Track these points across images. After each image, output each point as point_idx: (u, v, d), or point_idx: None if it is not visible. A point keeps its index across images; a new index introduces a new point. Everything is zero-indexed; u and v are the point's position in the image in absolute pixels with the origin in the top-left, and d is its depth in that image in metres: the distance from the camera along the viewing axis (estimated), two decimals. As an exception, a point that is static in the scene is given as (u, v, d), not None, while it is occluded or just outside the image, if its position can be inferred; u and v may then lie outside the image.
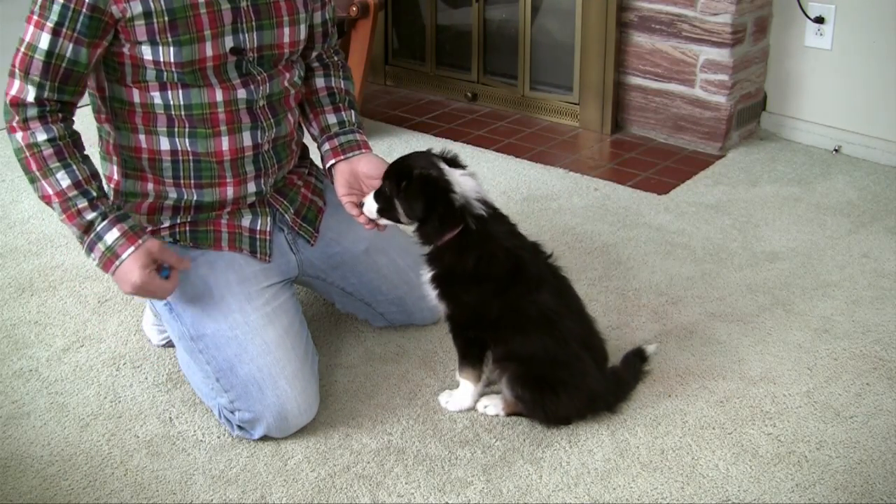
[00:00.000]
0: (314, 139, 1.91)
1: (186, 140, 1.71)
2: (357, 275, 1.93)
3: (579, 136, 3.07)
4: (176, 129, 1.70)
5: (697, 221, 2.49)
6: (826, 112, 2.89)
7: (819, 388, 1.83)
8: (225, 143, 1.72)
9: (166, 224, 1.77)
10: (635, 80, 2.99)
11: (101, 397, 1.85)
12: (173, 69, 1.64)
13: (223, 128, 1.71)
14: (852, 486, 1.58)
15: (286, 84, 1.79)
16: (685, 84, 2.89)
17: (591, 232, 2.44)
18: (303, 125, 1.93)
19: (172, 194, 1.75)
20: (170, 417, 1.79)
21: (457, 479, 1.62)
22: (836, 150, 2.88)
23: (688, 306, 2.10)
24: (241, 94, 1.71)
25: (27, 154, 1.63)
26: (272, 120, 1.77)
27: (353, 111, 1.93)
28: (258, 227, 1.81)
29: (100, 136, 1.79)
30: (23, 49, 1.61)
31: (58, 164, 1.63)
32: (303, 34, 1.78)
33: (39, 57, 1.60)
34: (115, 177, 1.77)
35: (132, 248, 1.62)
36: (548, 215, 2.53)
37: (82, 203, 1.63)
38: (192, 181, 1.75)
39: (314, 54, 1.90)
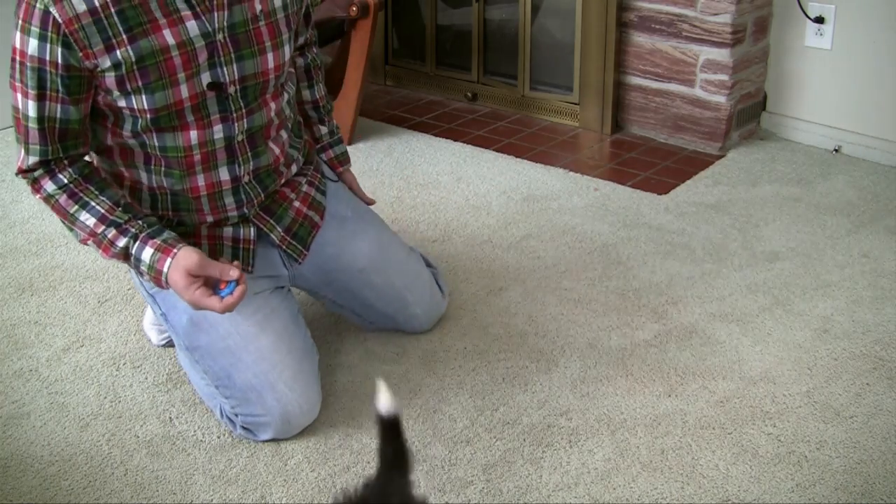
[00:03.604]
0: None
1: (163, 178, 1.66)
2: (350, 291, 1.90)
3: (579, 136, 3.07)
4: (153, 167, 1.65)
5: (697, 221, 2.49)
6: (826, 112, 2.89)
7: (819, 388, 1.83)
8: (200, 181, 1.68)
9: None
10: (635, 80, 2.99)
11: (101, 397, 1.85)
12: (147, 115, 1.57)
13: (198, 167, 1.66)
14: (852, 486, 1.59)
15: (272, 115, 1.71)
16: (685, 84, 2.89)
17: (591, 232, 2.44)
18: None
19: (151, 215, 1.70)
20: (170, 417, 1.79)
21: (457, 479, 1.62)
22: (836, 150, 2.88)
23: (688, 306, 2.11)
24: (218, 131, 1.64)
25: (51, 207, 1.63)
26: (249, 153, 1.70)
27: (331, 116, 1.99)
28: (241, 237, 1.76)
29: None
30: (17, 115, 1.57)
31: (76, 206, 1.61)
32: (288, 54, 1.70)
33: (33, 126, 1.56)
34: None
35: (169, 260, 1.57)
36: (548, 215, 2.53)
37: (112, 233, 1.60)
38: (171, 211, 1.71)
39: (301, 40, 1.84)
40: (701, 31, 2.81)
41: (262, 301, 1.73)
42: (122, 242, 1.59)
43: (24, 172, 1.62)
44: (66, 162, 1.61)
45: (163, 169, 1.65)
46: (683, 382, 1.85)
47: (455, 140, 3.03)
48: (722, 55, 2.79)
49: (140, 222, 1.61)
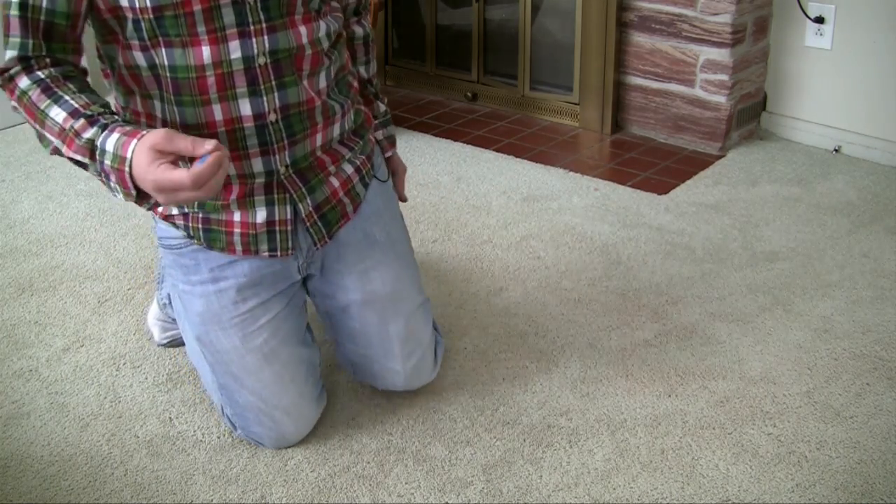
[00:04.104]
0: None
1: (175, 109, 1.47)
2: (341, 313, 1.73)
3: (579, 136, 3.07)
4: (163, 94, 1.47)
5: (697, 221, 2.49)
6: (826, 112, 2.89)
7: (819, 388, 1.83)
8: (217, 112, 1.47)
9: (176, 210, 1.58)
10: (635, 80, 2.99)
11: (101, 397, 1.85)
12: (150, 15, 1.39)
13: (214, 94, 1.45)
14: (852, 486, 1.59)
15: (302, 41, 1.49)
16: (685, 84, 2.90)
17: (591, 232, 2.44)
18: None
19: None
20: (170, 417, 1.79)
21: (457, 479, 1.62)
22: (836, 150, 2.88)
23: (688, 306, 2.11)
24: (235, 49, 1.43)
25: (22, 110, 1.39)
26: (273, 83, 1.48)
27: (382, 96, 1.84)
28: (276, 218, 1.57)
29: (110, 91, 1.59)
30: (3, 12, 1.39)
31: (48, 101, 1.36)
32: None
33: (14, 12, 1.37)
34: None
35: (135, 142, 1.29)
36: (548, 215, 2.53)
37: (79, 123, 1.34)
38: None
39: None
40: (701, 31, 2.81)
41: (271, 331, 1.63)
42: (88, 133, 1.33)
43: (1, 73, 1.41)
44: (48, 60, 1.40)
45: (173, 97, 1.46)
46: (683, 382, 1.85)
47: (455, 140, 3.03)
48: (722, 55, 2.79)
49: (115, 117, 1.36)
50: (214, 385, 1.70)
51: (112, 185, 1.35)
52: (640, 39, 2.94)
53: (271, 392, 1.64)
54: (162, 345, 1.99)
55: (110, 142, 1.32)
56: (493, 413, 1.78)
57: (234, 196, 1.55)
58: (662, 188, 2.68)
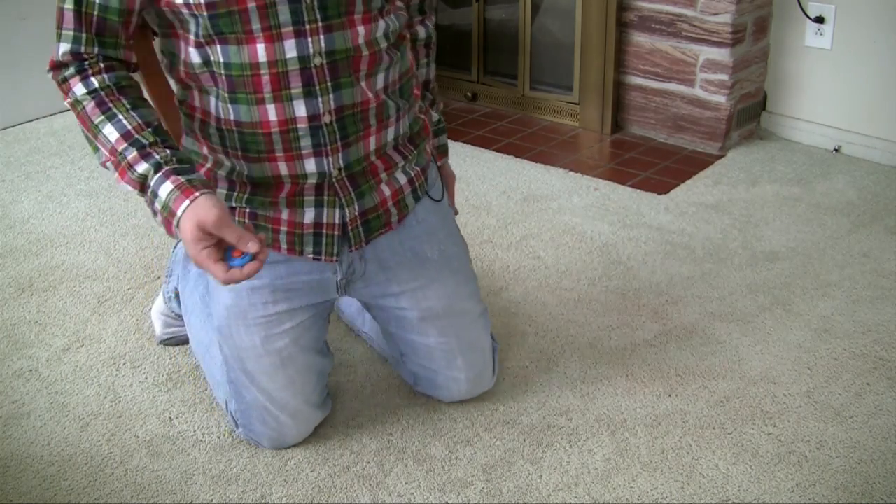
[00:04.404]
0: None
1: (229, 106, 1.46)
2: (400, 331, 1.73)
3: (579, 136, 3.07)
4: (219, 91, 1.46)
5: (697, 221, 2.49)
6: (826, 112, 2.89)
7: (819, 388, 1.83)
8: (272, 113, 1.45)
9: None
10: (635, 80, 2.99)
11: (101, 397, 1.85)
12: (204, 12, 1.38)
13: (268, 94, 1.43)
14: (852, 486, 1.59)
15: (359, 42, 1.45)
16: (685, 84, 2.90)
17: (591, 232, 2.44)
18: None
19: (226, 162, 1.53)
20: (170, 417, 1.79)
21: (457, 479, 1.62)
22: (836, 150, 2.88)
23: (688, 306, 2.11)
24: (290, 48, 1.41)
25: (76, 117, 1.42)
26: (329, 84, 1.45)
27: (439, 102, 1.80)
28: (324, 221, 1.55)
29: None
30: (58, 5, 1.42)
31: (102, 117, 1.39)
32: None
33: (69, 6, 1.40)
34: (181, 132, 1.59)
35: (187, 202, 1.32)
36: (548, 215, 2.53)
37: (132, 154, 1.37)
38: (240, 151, 1.49)
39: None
40: (701, 31, 2.81)
41: (293, 337, 1.62)
42: (141, 168, 1.36)
43: (55, 69, 1.44)
44: (101, 66, 1.43)
45: (227, 95, 1.45)
46: (683, 382, 1.85)
47: (455, 140, 3.03)
48: (722, 55, 2.79)
49: (167, 151, 1.38)
50: (223, 379, 1.70)
51: (156, 218, 1.38)
52: (640, 39, 2.94)
53: (280, 395, 1.64)
54: (162, 341, 1.99)
55: (163, 189, 1.35)
56: (493, 413, 1.78)
57: (283, 194, 1.53)
58: (662, 188, 2.68)
